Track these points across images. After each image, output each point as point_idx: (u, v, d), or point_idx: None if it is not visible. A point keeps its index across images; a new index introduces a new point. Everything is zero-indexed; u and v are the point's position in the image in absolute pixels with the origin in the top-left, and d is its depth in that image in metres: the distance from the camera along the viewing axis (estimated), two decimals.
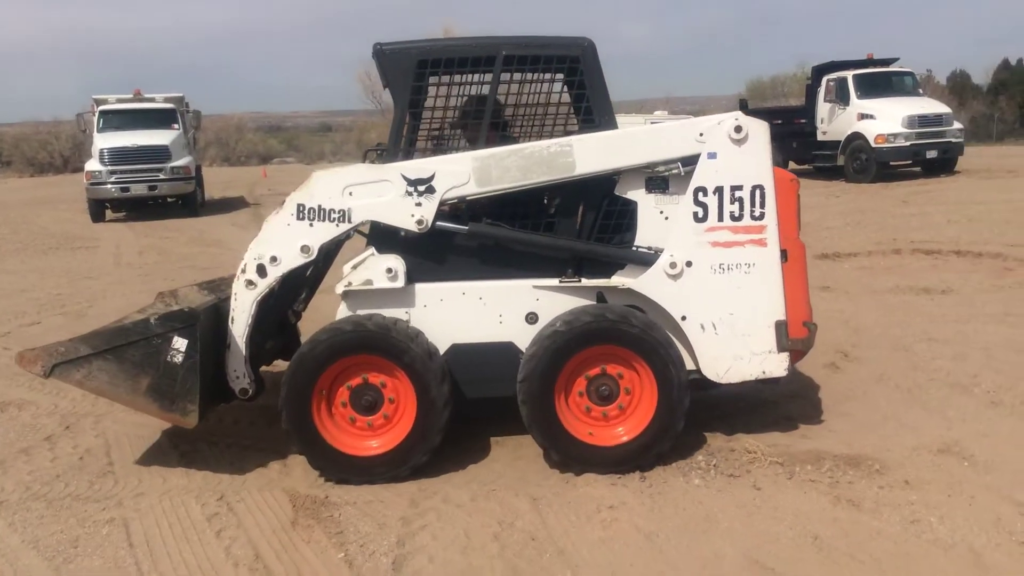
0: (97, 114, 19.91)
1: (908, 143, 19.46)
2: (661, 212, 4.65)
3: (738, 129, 4.52)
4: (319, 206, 4.54)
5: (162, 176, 18.64)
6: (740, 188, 4.55)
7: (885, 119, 19.64)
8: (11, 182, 35.81)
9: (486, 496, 4.38)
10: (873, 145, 19.56)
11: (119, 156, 18.43)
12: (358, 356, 4.50)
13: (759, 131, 4.56)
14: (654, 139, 4.64)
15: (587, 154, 4.54)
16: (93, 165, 18.63)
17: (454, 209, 4.66)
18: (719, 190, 4.54)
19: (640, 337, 4.45)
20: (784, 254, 4.62)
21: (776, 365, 4.65)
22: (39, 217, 19.86)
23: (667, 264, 4.54)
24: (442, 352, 4.56)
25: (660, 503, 4.23)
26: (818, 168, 21.88)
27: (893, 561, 3.62)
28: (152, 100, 20.66)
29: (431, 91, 4.82)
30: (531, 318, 4.64)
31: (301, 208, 4.54)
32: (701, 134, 4.54)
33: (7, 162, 42.87)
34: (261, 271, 4.55)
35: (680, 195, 4.59)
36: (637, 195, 4.64)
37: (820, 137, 21.51)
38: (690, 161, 4.55)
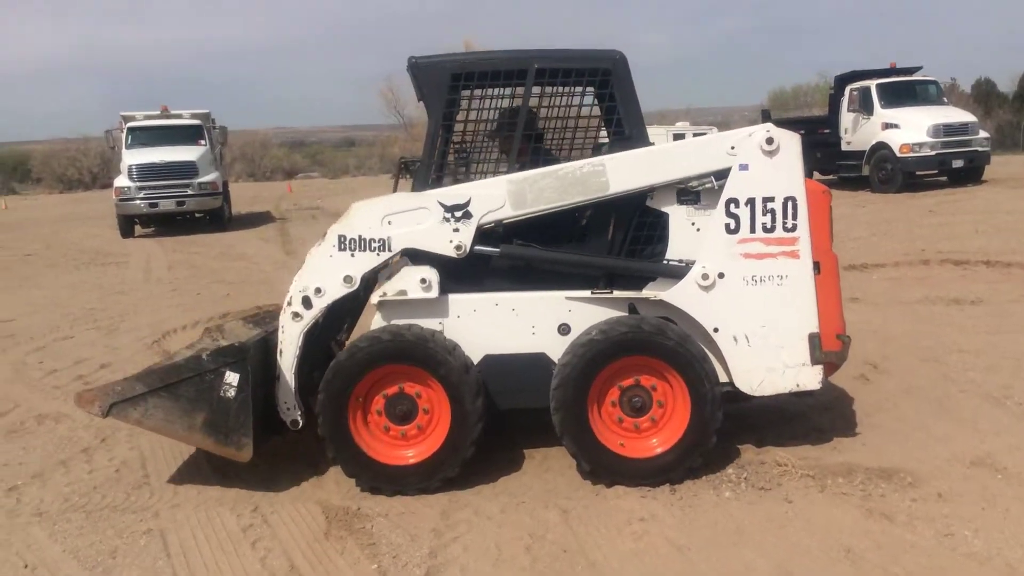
0: (125, 131, 20.21)
1: (934, 152, 19.31)
2: (693, 224, 4.67)
3: (769, 141, 4.54)
4: (359, 236, 4.61)
5: (190, 192, 18.89)
6: (772, 200, 4.56)
7: (910, 128, 19.51)
8: (41, 199, 36.39)
9: (516, 508, 4.41)
10: (898, 155, 19.43)
11: (147, 172, 18.70)
12: (395, 365, 4.55)
13: (791, 143, 4.58)
14: (686, 154, 4.67)
15: (620, 173, 4.58)
16: (122, 181, 18.91)
17: (486, 229, 4.70)
18: (751, 202, 4.56)
19: (675, 350, 4.47)
20: (817, 266, 4.62)
21: (810, 378, 4.64)
22: (70, 233, 20.16)
23: (699, 276, 4.56)
24: (475, 362, 4.60)
25: (691, 516, 4.24)
26: (843, 178, 21.76)
27: (927, 574, 3.60)
28: (179, 116, 20.95)
29: (464, 104, 4.88)
30: (563, 329, 4.67)
31: (342, 239, 4.61)
32: (732, 147, 4.57)
33: (37, 179, 43.58)
34: (307, 303, 4.62)
35: (712, 207, 4.61)
36: (668, 207, 4.67)
37: (844, 147, 21.40)
38: (723, 175, 4.57)
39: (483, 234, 4.64)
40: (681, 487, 4.53)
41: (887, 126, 19.93)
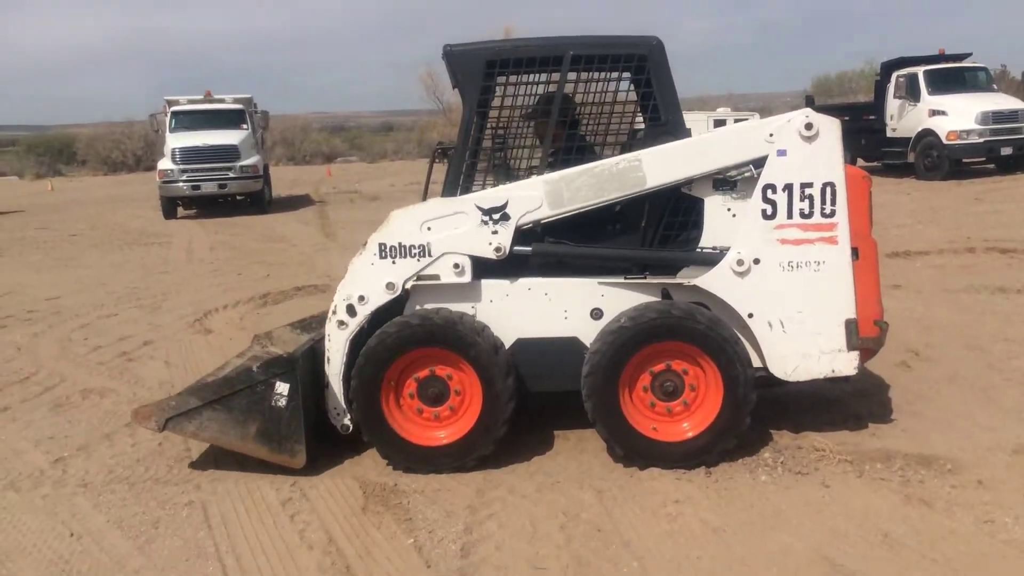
0: (169, 115, 20.53)
1: (982, 139, 18.90)
2: (729, 210, 4.63)
3: (808, 126, 4.48)
4: (399, 243, 4.64)
5: (231, 175, 19.15)
6: (810, 185, 4.50)
7: (957, 115, 19.10)
8: (86, 180, 37.09)
9: (551, 488, 4.43)
10: (945, 142, 19.05)
11: (190, 155, 18.99)
12: (425, 349, 4.59)
13: (830, 128, 4.52)
14: (724, 144, 4.63)
15: (657, 167, 4.55)
16: (165, 164, 19.22)
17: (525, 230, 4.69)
18: (788, 187, 4.51)
19: (706, 334, 4.45)
20: (855, 252, 4.56)
21: (846, 364, 4.60)
22: (114, 214, 20.54)
23: (734, 261, 4.53)
24: (507, 346, 4.62)
25: (727, 499, 4.23)
26: (887, 165, 21.41)
27: (966, 561, 3.55)
28: (222, 101, 21.21)
29: (499, 91, 4.89)
30: (596, 314, 4.67)
31: (383, 247, 4.65)
32: (771, 134, 4.51)
33: (82, 161, 44.40)
34: (351, 311, 4.68)
35: (748, 193, 4.56)
36: (704, 193, 4.63)
37: (889, 134, 21.00)
38: (761, 162, 4.52)
39: (521, 234, 4.65)
40: (717, 470, 4.52)
41: (934, 113, 19.54)
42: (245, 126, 20.47)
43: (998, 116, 19.05)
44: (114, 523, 4.25)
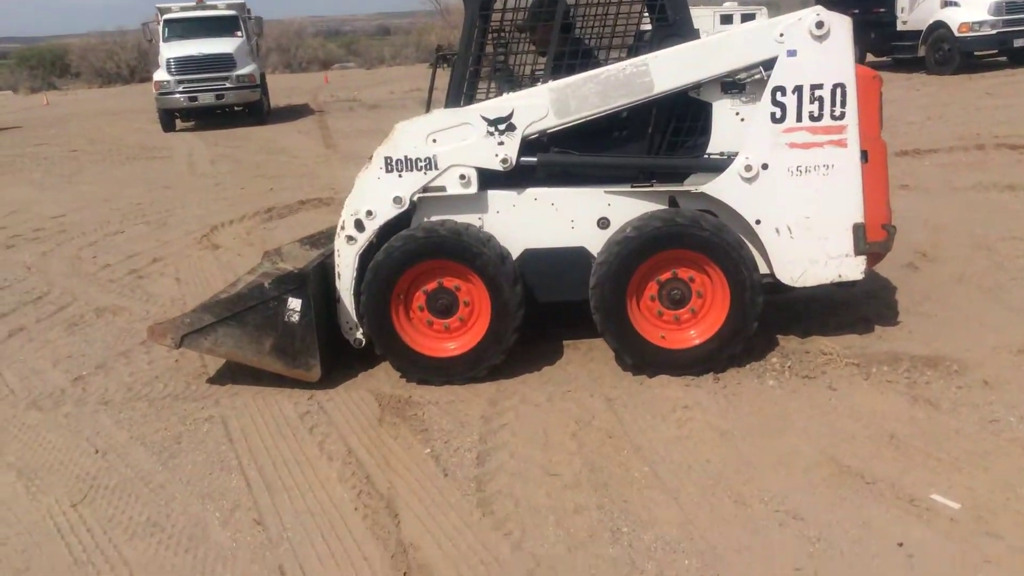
0: (162, 23, 20.03)
1: (995, 31, 18.39)
2: (737, 114, 4.56)
3: (819, 25, 4.37)
4: (405, 157, 4.59)
5: (228, 85, 18.77)
6: (820, 87, 4.42)
7: (970, 6, 18.54)
8: (81, 93, 36.52)
9: (562, 396, 4.51)
10: (956, 34, 18.55)
11: (186, 65, 18.60)
12: (432, 261, 4.61)
13: (841, 27, 4.40)
14: (732, 46, 4.52)
15: (665, 71, 4.46)
16: (161, 75, 18.85)
17: (531, 140, 4.63)
18: (798, 89, 4.43)
19: (710, 240, 4.45)
20: (864, 155, 4.51)
21: (852, 268, 4.61)
22: (112, 128, 20.29)
23: (742, 167, 4.48)
24: (515, 256, 4.63)
25: (735, 403, 4.31)
26: (897, 60, 20.91)
27: (971, 459, 3.64)
28: (215, 7, 20.64)
29: None
30: (603, 223, 4.66)
31: (388, 161, 4.60)
32: (781, 34, 4.41)
33: (76, 73, 43.56)
34: (359, 226, 4.66)
35: (757, 96, 4.49)
36: (712, 97, 4.56)
37: (900, 27, 20.42)
38: (771, 64, 4.43)
39: (528, 144, 4.59)
40: (724, 376, 4.59)
41: (946, 4, 18.96)
42: (240, 33, 19.98)
43: (1012, 6, 18.48)
44: (137, 439, 4.36)
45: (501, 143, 4.56)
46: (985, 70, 18.74)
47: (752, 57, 4.47)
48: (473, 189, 4.63)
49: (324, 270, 4.84)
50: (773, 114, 4.46)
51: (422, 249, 4.57)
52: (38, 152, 16.68)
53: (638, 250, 4.47)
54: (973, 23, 18.36)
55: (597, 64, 4.65)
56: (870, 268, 4.70)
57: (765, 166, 4.49)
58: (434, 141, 4.59)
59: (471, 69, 4.74)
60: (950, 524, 3.23)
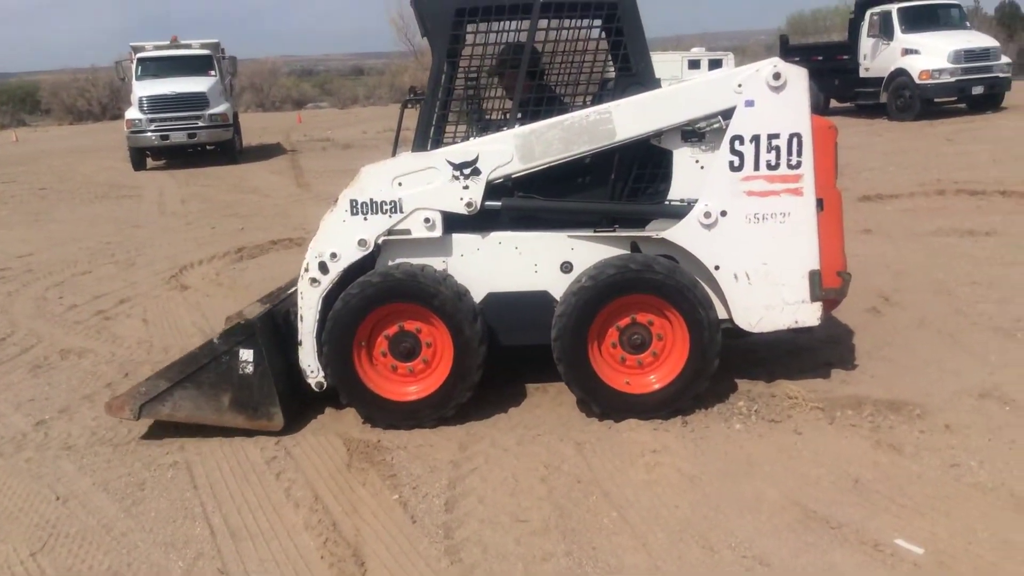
0: (135, 61, 20.04)
1: (954, 79, 18.98)
2: (697, 162, 4.65)
3: (776, 76, 4.49)
4: (371, 200, 4.63)
5: (201, 124, 18.78)
6: (777, 136, 4.53)
7: (930, 54, 19.14)
8: (51, 130, 36.31)
9: (532, 440, 4.52)
10: (917, 81, 19.10)
11: (158, 104, 18.60)
12: (391, 305, 4.62)
13: (798, 78, 4.52)
14: (692, 96, 4.62)
15: (627, 119, 4.55)
16: (133, 113, 18.82)
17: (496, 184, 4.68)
18: (756, 139, 4.53)
19: (664, 283, 4.50)
20: (820, 203, 4.61)
21: (809, 315, 4.68)
22: (82, 166, 20.17)
23: (701, 214, 4.56)
24: (478, 300, 4.66)
25: (702, 447, 4.34)
26: (860, 106, 21.46)
27: (933, 504, 3.69)
28: (189, 47, 20.73)
29: (469, 40, 4.84)
30: (566, 267, 4.71)
31: (354, 203, 4.64)
32: (740, 84, 4.51)
33: (46, 110, 43.32)
34: (323, 268, 4.68)
35: (716, 145, 4.59)
36: (673, 145, 4.65)
37: (863, 74, 21.01)
38: (730, 114, 4.54)
39: (493, 188, 4.65)
40: (692, 420, 4.63)
41: (907, 52, 19.56)
42: (213, 72, 20.05)
43: (970, 55, 19.11)
44: (100, 485, 4.29)
45: (466, 187, 4.61)
46: (945, 116, 19.27)
47: (711, 107, 4.57)
48: (438, 232, 4.67)
49: (273, 318, 4.84)
50: (731, 162, 4.56)
51: (379, 294, 4.58)
52: (5, 190, 16.53)
53: (595, 298, 4.51)
54: (933, 71, 18.91)
55: (563, 111, 4.74)
56: (827, 314, 4.78)
57: (724, 213, 4.57)
58: (399, 184, 4.63)
59: (438, 113, 4.81)
60: (914, 569, 3.27)
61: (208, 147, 19.71)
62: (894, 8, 20.15)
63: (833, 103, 22.59)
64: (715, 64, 30.22)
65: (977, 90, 19.24)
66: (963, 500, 3.72)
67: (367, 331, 4.67)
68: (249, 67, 41.67)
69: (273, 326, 4.81)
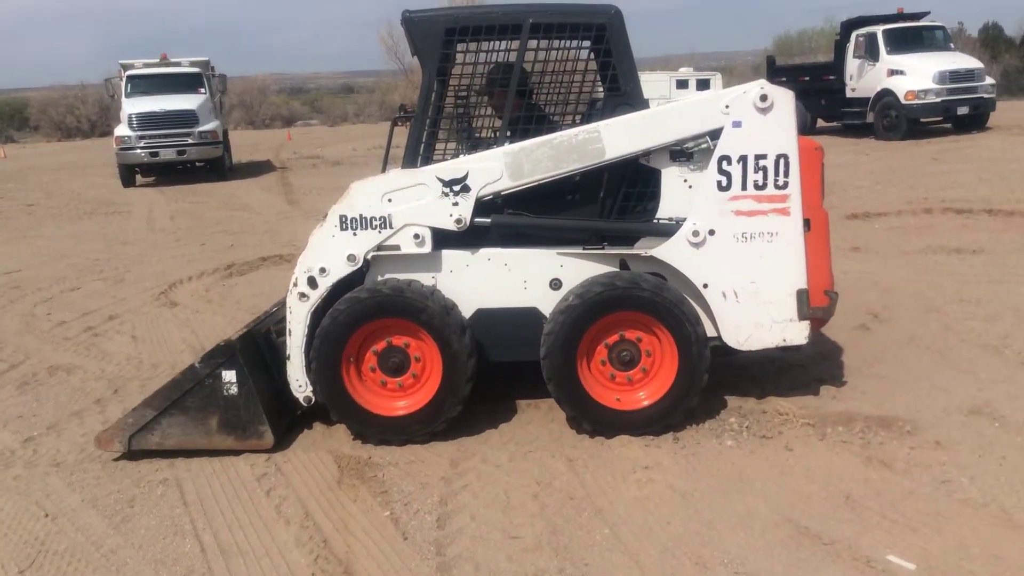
0: (124, 79, 20.06)
1: (939, 99, 19.17)
2: (685, 181, 4.68)
3: (763, 98, 4.53)
4: (360, 215, 4.65)
5: (190, 141, 18.81)
6: (764, 157, 4.56)
7: (915, 75, 19.33)
8: (40, 147, 36.20)
9: (524, 457, 4.51)
10: (903, 102, 19.29)
11: (148, 121, 18.61)
12: (379, 320, 4.62)
13: (784, 100, 4.57)
14: (681, 116, 4.67)
15: (616, 138, 4.58)
16: (122, 130, 18.83)
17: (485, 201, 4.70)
18: (743, 159, 4.56)
19: (651, 299, 4.52)
20: (807, 223, 4.64)
21: (797, 333, 4.71)
22: (71, 182, 20.12)
23: (690, 232, 4.59)
24: (468, 316, 4.67)
25: (694, 464, 4.34)
26: (847, 126, 21.66)
27: (924, 520, 3.70)
28: (178, 64, 20.77)
29: (459, 59, 4.86)
30: (555, 284, 4.72)
31: (343, 219, 4.65)
32: (727, 106, 4.56)
33: (35, 127, 43.26)
34: (312, 283, 4.68)
35: (704, 165, 4.62)
36: (661, 164, 4.68)
37: (849, 94, 21.20)
38: (717, 134, 4.58)
39: (482, 205, 4.67)
40: (684, 436, 4.63)
41: (892, 72, 19.76)
42: (203, 90, 20.08)
43: (955, 75, 19.33)
44: (89, 502, 4.26)
45: (456, 204, 4.62)
46: (931, 136, 19.44)
47: (699, 127, 4.61)
48: (427, 248, 4.68)
49: (254, 337, 4.85)
50: (719, 182, 4.59)
51: (367, 310, 4.58)
52: None
53: (583, 316, 4.52)
54: (919, 91, 19.12)
55: (552, 130, 4.77)
56: (814, 333, 4.79)
57: (712, 232, 4.60)
58: (389, 200, 4.64)
59: (428, 131, 4.83)
60: None
61: (198, 164, 19.72)
62: (879, 30, 20.38)
63: (820, 123, 22.78)
64: (703, 84, 30.48)
65: (962, 110, 19.45)
66: (954, 516, 3.73)
67: (356, 347, 4.67)
68: (239, 85, 41.72)
69: (254, 345, 4.81)
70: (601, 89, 4.91)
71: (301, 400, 4.80)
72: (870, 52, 20.39)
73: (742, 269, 4.63)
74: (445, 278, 4.75)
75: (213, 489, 4.31)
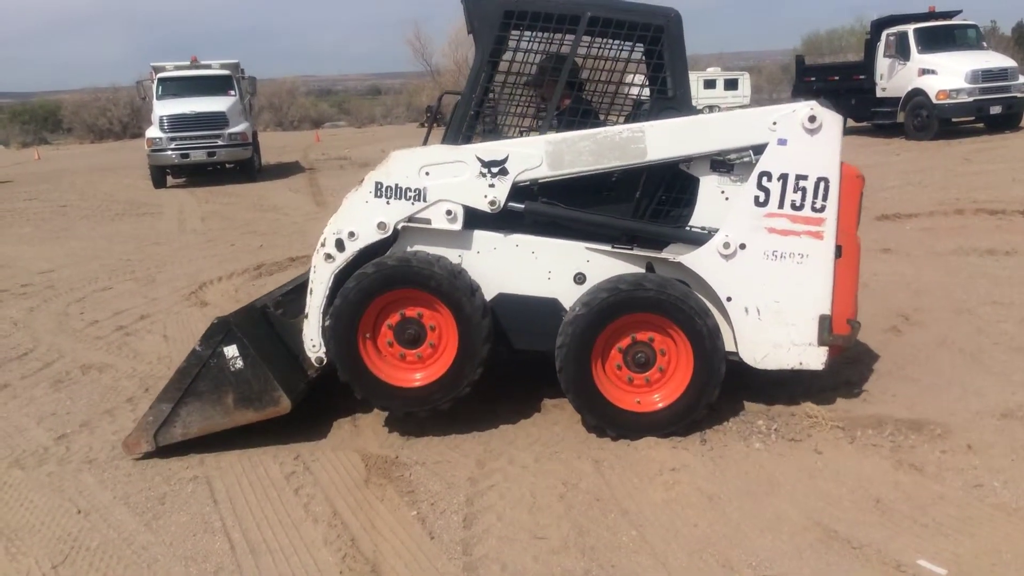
0: (156, 81, 20.30)
1: (971, 99, 18.92)
2: (722, 192, 4.66)
3: (812, 119, 4.50)
4: (396, 185, 4.66)
5: (220, 142, 19.02)
6: (805, 178, 4.53)
7: (947, 74, 19.10)
8: (73, 148, 36.75)
9: (550, 458, 4.51)
10: (934, 101, 19.06)
11: (178, 123, 18.83)
12: (388, 294, 4.61)
13: (833, 123, 4.53)
14: (727, 127, 4.65)
15: (659, 141, 4.57)
16: (154, 132, 19.07)
17: (521, 186, 4.70)
18: (784, 177, 4.53)
19: (657, 298, 4.49)
20: (839, 250, 4.60)
21: (814, 358, 4.67)
22: (103, 183, 20.39)
23: (721, 244, 4.57)
24: (488, 299, 4.65)
25: (722, 466, 4.32)
26: (877, 126, 21.44)
27: (956, 525, 3.66)
28: (209, 67, 20.99)
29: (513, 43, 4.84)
30: (579, 278, 4.71)
31: (379, 186, 4.67)
32: (775, 122, 4.53)
33: (68, 129, 43.97)
34: (340, 246, 4.70)
35: (743, 178, 4.60)
36: (701, 173, 4.67)
37: (879, 94, 20.99)
38: (761, 149, 4.55)
39: (518, 190, 4.67)
40: (711, 438, 4.61)
41: (924, 72, 19.53)
42: (233, 92, 20.28)
43: (988, 74, 19.06)
44: (120, 499, 4.31)
45: (492, 185, 4.63)
46: (963, 136, 19.19)
47: (744, 140, 4.60)
48: (458, 226, 4.68)
49: (250, 311, 4.94)
50: (757, 197, 4.56)
51: (375, 284, 4.57)
52: (28, 207, 16.72)
53: (592, 324, 4.50)
54: (951, 91, 18.88)
55: (596, 125, 4.76)
56: (831, 360, 4.74)
57: (743, 246, 4.57)
58: (427, 174, 4.65)
59: (473, 111, 4.83)
60: None
61: (228, 165, 19.93)
62: (910, 29, 20.15)
63: (850, 123, 22.54)
64: (731, 84, 30.30)
65: (995, 110, 19.18)
66: (986, 521, 3.68)
67: (371, 323, 4.66)
68: (268, 87, 42.17)
69: (251, 318, 4.86)
70: (649, 91, 4.88)
71: (313, 360, 4.82)
72: (901, 51, 20.17)
73: (768, 287, 4.60)
74: (471, 258, 4.73)
75: (242, 487, 4.36)
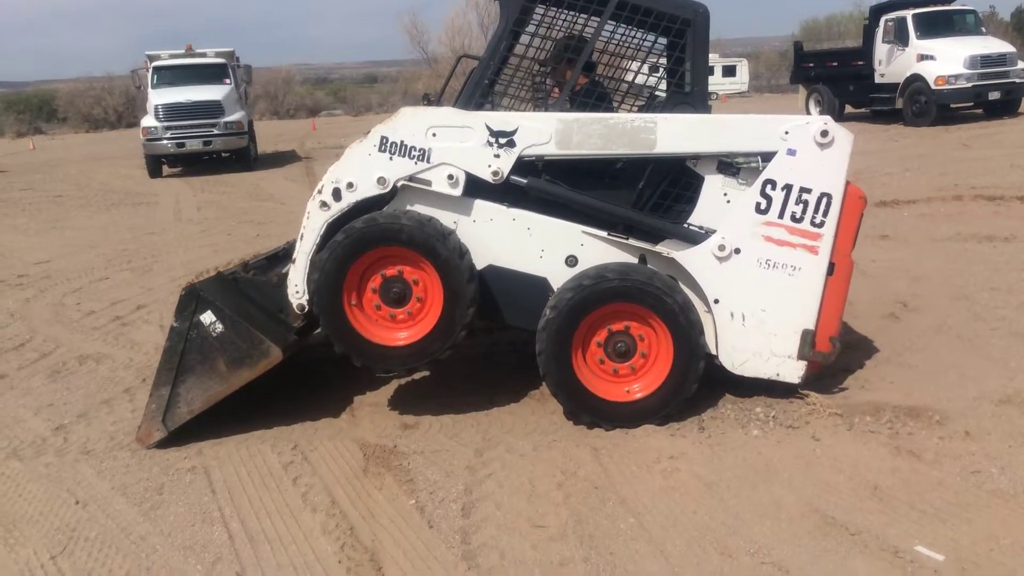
0: (151, 70, 20.23)
1: (970, 84, 18.89)
2: (725, 194, 4.66)
3: (824, 133, 4.49)
4: (401, 141, 4.62)
5: (216, 131, 18.97)
6: (809, 191, 4.51)
7: (946, 60, 19.06)
8: (68, 138, 36.62)
9: (548, 446, 4.51)
10: (933, 87, 19.02)
11: (174, 112, 18.77)
12: (363, 256, 4.53)
13: (844, 140, 4.53)
14: (739, 130, 4.63)
15: (670, 135, 4.55)
16: (149, 121, 19.02)
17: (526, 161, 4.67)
18: (788, 188, 4.52)
19: (622, 287, 4.47)
20: (831, 267, 4.59)
21: (791, 371, 4.67)
22: (98, 173, 20.34)
23: (716, 245, 4.55)
24: (479, 268, 4.61)
25: (720, 453, 4.32)
26: (875, 112, 21.41)
27: (953, 511, 3.66)
28: (204, 55, 20.91)
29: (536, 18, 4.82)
30: (571, 261, 4.68)
31: (384, 140, 4.63)
32: (786, 132, 4.52)
33: (63, 118, 43.78)
34: (336, 195, 4.66)
35: (748, 183, 4.59)
36: (707, 172, 4.65)
37: (878, 80, 20.93)
38: (769, 157, 4.54)
39: (522, 165, 4.64)
40: (710, 425, 4.61)
41: (922, 57, 19.49)
42: (228, 81, 20.22)
43: (986, 60, 19.03)
44: (118, 490, 4.31)
45: (497, 155, 4.60)
46: (961, 122, 19.15)
47: (755, 146, 4.59)
48: (458, 192, 4.64)
49: (219, 278, 4.98)
50: (758, 204, 4.55)
51: (348, 250, 4.48)
52: (23, 197, 16.68)
53: (566, 322, 4.48)
54: (949, 76, 18.84)
55: (608, 111, 4.72)
56: (807, 376, 4.73)
57: (737, 250, 4.56)
58: (433, 135, 4.61)
59: (489, 79, 4.80)
60: None
61: (223, 154, 19.86)
62: (909, 14, 20.08)
63: (848, 109, 22.52)
64: (729, 70, 30.21)
65: (993, 95, 19.15)
66: (984, 507, 3.68)
67: (353, 289, 4.59)
68: (264, 75, 41.95)
69: (219, 283, 4.88)
70: (667, 83, 4.84)
71: (295, 307, 4.78)
72: (899, 37, 20.11)
73: (756, 294, 4.59)
74: (466, 225, 4.69)
75: (240, 476, 4.35)
